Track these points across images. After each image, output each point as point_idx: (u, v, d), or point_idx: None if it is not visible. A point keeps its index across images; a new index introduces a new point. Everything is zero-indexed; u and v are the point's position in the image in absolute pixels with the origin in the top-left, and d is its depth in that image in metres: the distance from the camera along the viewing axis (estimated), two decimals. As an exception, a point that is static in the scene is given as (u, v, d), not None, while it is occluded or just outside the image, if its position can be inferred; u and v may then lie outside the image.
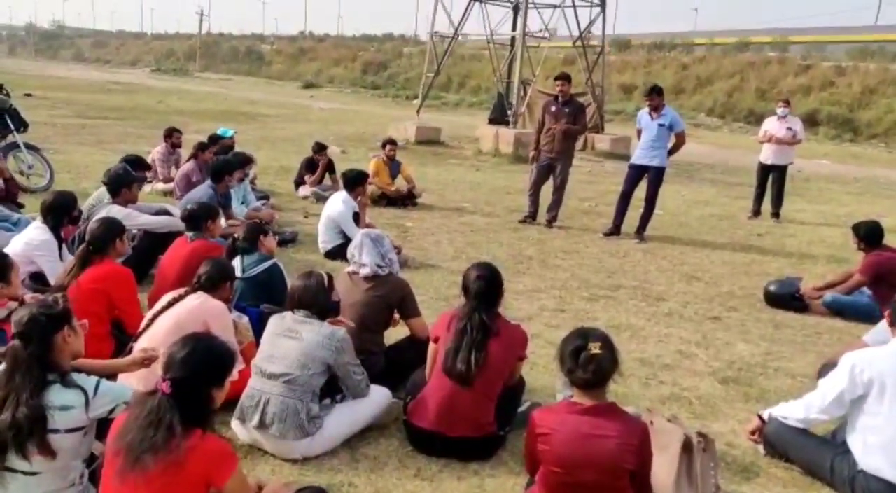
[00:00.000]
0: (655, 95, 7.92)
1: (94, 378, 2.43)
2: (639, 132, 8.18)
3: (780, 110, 9.98)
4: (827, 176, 16.40)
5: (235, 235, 4.47)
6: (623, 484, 2.45)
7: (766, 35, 48.58)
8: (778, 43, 45.18)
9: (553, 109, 8.23)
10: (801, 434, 3.27)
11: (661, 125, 7.83)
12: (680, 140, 8.05)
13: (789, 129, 9.80)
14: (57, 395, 2.30)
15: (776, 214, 10.03)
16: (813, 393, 3.23)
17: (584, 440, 2.43)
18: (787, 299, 5.92)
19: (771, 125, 10.01)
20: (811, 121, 27.85)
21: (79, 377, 2.39)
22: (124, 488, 2.08)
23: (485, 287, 3.21)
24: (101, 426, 2.45)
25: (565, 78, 8.32)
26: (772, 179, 9.98)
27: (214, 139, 8.63)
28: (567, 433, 2.45)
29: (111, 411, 2.40)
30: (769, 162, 9.94)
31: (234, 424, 3.15)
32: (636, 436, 2.45)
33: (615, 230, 8.25)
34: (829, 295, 5.80)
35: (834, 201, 12.58)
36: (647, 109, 8.03)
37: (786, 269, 7.19)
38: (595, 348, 2.45)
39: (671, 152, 8.03)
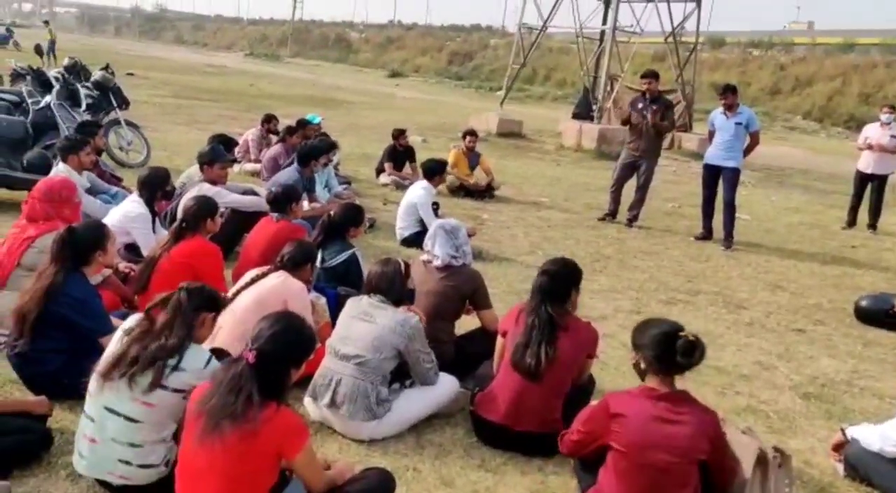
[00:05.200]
0: (730, 94, 7.65)
1: (207, 352, 2.63)
2: (710, 134, 7.92)
3: (883, 116, 9.36)
4: (934, 188, 15.28)
5: (331, 213, 4.57)
6: (692, 470, 2.50)
7: (875, 37, 45.56)
8: (887, 45, 42.28)
9: (640, 105, 8.06)
10: (886, 459, 3.10)
11: (738, 124, 7.57)
12: (754, 140, 7.74)
13: (893, 136, 9.18)
14: (176, 356, 2.50)
15: (873, 226, 9.47)
16: (890, 424, 3.07)
17: (659, 424, 2.49)
18: (880, 315, 5.59)
19: (873, 131, 9.41)
20: (919, 128, 25.96)
21: (197, 348, 2.59)
22: (202, 450, 2.19)
23: (547, 283, 3.19)
24: None
25: (653, 75, 8.13)
26: (870, 189, 9.41)
27: (302, 124, 8.90)
28: (643, 415, 2.52)
29: None
30: (868, 170, 9.36)
31: (307, 401, 3.26)
32: (711, 425, 2.53)
33: (707, 235, 8.02)
34: (927, 315, 5.45)
35: (940, 216, 11.72)
36: (720, 109, 7.76)
37: (880, 284, 6.77)
38: (691, 335, 2.50)
39: (745, 153, 7.75)
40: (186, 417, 2.31)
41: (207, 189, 5.14)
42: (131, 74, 21.52)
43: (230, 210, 5.49)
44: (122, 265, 4.19)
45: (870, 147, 9.30)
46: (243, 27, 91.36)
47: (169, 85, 21.56)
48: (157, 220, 4.81)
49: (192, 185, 5.45)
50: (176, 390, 2.48)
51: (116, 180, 6.57)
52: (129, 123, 8.72)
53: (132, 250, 4.57)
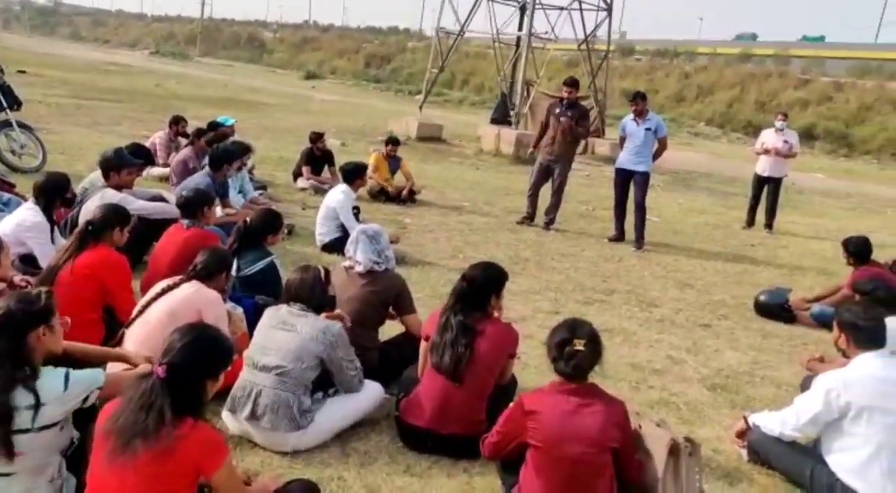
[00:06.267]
0: (640, 101, 8.00)
1: (61, 371, 2.36)
2: (622, 139, 8.23)
3: (778, 123, 10.03)
4: (820, 190, 16.49)
5: (247, 219, 4.43)
6: (606, 459, 2.61)
7: (769, 47, 48.73)
8: (779, 56, 45.34)
9: (557, 111, 8.26)
10: (783, 443, 3.31)
11: (647, 129, 7.92)
12: (662, 145, 8.11)
13: (786, 142, 9.86)
14: (25, 394, 2.23)
15: (769, 226, 10.10)
16: (788, 410, 3.28)
17: (571, 416, 2.60)
18: (776, 309, 5.97)
19: (768, 137, 10.06)
20: (808, 135, 28.00)
21: (48, 373, 2.32)
22: (112, 473, 2.08)
23: (465, 289, 3.24)
24: (76, 414, 2.42)
25: (574, 84, 8.35)
26: (767, 191, 10.04)
27: (214, 126, 8.60)
28: (557, 409, 2.62)
29: (85, 399, 2.37)
30: (765, 174, 10.00)
31: (225, 415, 3.16)
32: (618, 413, 2.67)
33: (620, 236, 8.31)
34: (816, 307, 5.87)
35: (826, 215, 12.66)
36: (631, 116, 8.08)
37: (776, 280, 7.24)
38: (579, 344, 2.62)
39: (654, 157, 8.10)
40: (94, 437, 2.18)
41: (112, 195, 4.88)
42: (23, 72, 20.18)
43: (137, 217, 5.24)
44: (18, 278, 3.88)
45: (766, 152, 9.93)
46: (148, 24, 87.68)
47: (67, 84, 20.38)
48: (55, 229, 4.53)
49: (94, 191, 5.15)
50: (45, 428, 2.27)
51: (9, 186, 6.12)
52: (21, 125, 8.17)
53: (28, 261, 4.27)
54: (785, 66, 41.56)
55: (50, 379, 2.29)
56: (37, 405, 2.23)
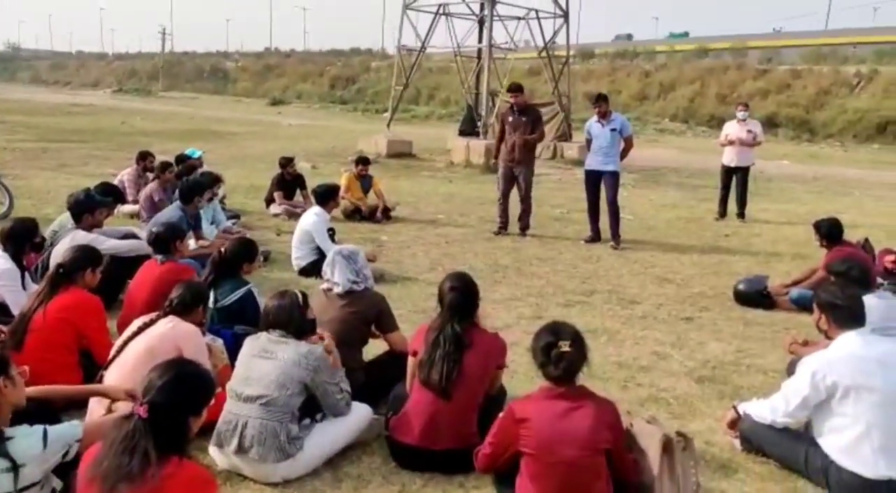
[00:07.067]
0: (602, 102, 8.08)
1: (38, 429, 2.29)
2: (588, 141, 8.30)
3: (739, 114, 10.21)
4: (788, 176, 16.79)
5: (222, 250, 4.38)
6: (600, 462, 2.61)
7: (725, 41, 49.73)
8: (736, 49, 46.24)
9: (511, 119, 8.29)
10: (775, 429, 3.32)
11: (612, 130, 7.99)
12: (628, 144, 8.19)
13: (749, 131, 10.04)
14: (10, 453, 2.17)
15: (741, 215, 10.24)
16: (777, 396, 3.29)
17: (562, 419, 2.59)
18: (755, 296, 6.03)
19: (731, 128, 10.23)
20: (770, 123, 28.52)
21: (23, 433, 2.25)
22: (99, 520, 2.02)
23: (459, 299, 3.23)
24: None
25: (518, 89, 8.41)
26: (735, 181, 10.19)
27: (181, 160, 8.54)
28: (547, 414, 2.61)
29: (65, 454, 2.32)
30: (732, 164, 10.15)
31: (212, 450, 3.09)
32: (609, 413, 2.68)
33: (596, 237, 8.35)
34: (794, 291, 5.93)
35: (795, 200, 12.87)
36: (595, 118, 8.16)
37: (753, 267, 7.32)
38: (565, 345, 2.62)
39: (621, 157, 8.17)
40: (77, 484, 2.12)
41: (82, 236, 4.82)
42: (-15, 119, 19.92)
43: (109, 257, 5.16)
44: (-10, 328, 3.82)
45: (731, 143, 10.10)
46: (109, 63, 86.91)
47: (31, 128, 20.13)
48: (26, 275, 4.44)
49: (64, 233, 5.07)
50: (26, 488, 2.21)
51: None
52: (-14, 173, 8.05)
53: (0, 309, 4.19)
54: (742, 59, 42.38)
55: (27, 439, 2.23)
56: (15, 468, 2.16)
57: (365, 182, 9.36)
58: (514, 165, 8.34)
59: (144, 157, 8.96)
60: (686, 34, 64.92)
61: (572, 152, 17.69)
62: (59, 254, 4.34)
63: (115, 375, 3.13)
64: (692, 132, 32.61)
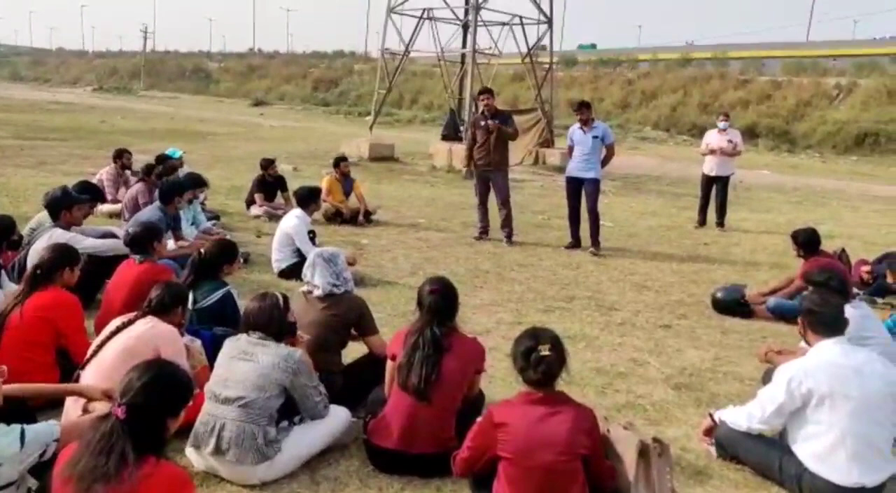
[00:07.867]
0: (585, 109, 8.13)
1: (16, 428, 2.27)
2: (570, 148, 8.33)
3: (720, 123, 10.34)
4: (767, 186, 17.02)
5: (201, 251, 4.35)
6: (576, 467, 2.63)
7: (708, 51, 50.36)
8: (718, 58, 46.86)
9: (482, 123, 8.28)
10: (750, 436, 3.36)
11: (594, 137, 8.03)
12: (610, 152, 8.26)
13: (730, 140, 10.17)
14: None
15: (721, 224, 10.36)
16: (753, 403, 3.33)
17: (540, 424, 2.61)
18: (733, 305, 6.10)
19: (712, 138, 10.35)
20: (750, 133, 28.94)
21: (1, 432, 2.23)
22: (74, 520, 2.00)
23: (439, 302, 3.24)
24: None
25: (488, 92, 8.42)
26: (715, 190, 10.30)
27: (162, 160, 8.47)
28: (525, 419, 2.63)
29: (42, 454, 2.30)
30: (712, 173, 10.26)
31: (189, 451, 3.07)
32: (587, 419, 2.69)
33: (576, 243, 8.40)
34: (772, 300, 6.02)
35: (774, 210, 13.06)
36: (577, 125, 8.21)
37: (731, 276, 7.41)
38: (544, 349, 2.65)
39: (603, 164, 8.23)
40: (53, 483, 2.10)
41: (60, 235, 4.76)
42: (-39, 116, 19.60)
43: (87, 256, 5.10)
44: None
45: (712, 152, 10.22)
46: (90, 61, 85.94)
47: (9, 125, 19.82)
48: (2, 273, 4.39)
49: (42, 231, 5.01)
50: (2, 488, 2.20)
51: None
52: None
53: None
54: (724, 68, 42.95)
55: (4, 438, 2.21)
56: None
57: (347, 185, 9.35)
58: (489, 171, 8.34)
59: (121, 154, 8.89)
60: (594, 46, 63.71)
61: (554, 159, 17.78)
62: (36, 252, 4.30)
63: (93, 374, 3.10)
64: (673, 141, 32.93)
